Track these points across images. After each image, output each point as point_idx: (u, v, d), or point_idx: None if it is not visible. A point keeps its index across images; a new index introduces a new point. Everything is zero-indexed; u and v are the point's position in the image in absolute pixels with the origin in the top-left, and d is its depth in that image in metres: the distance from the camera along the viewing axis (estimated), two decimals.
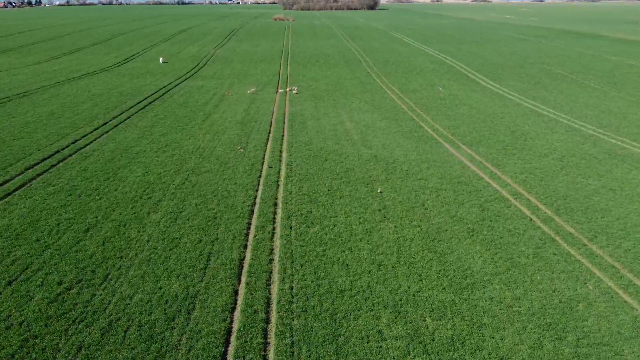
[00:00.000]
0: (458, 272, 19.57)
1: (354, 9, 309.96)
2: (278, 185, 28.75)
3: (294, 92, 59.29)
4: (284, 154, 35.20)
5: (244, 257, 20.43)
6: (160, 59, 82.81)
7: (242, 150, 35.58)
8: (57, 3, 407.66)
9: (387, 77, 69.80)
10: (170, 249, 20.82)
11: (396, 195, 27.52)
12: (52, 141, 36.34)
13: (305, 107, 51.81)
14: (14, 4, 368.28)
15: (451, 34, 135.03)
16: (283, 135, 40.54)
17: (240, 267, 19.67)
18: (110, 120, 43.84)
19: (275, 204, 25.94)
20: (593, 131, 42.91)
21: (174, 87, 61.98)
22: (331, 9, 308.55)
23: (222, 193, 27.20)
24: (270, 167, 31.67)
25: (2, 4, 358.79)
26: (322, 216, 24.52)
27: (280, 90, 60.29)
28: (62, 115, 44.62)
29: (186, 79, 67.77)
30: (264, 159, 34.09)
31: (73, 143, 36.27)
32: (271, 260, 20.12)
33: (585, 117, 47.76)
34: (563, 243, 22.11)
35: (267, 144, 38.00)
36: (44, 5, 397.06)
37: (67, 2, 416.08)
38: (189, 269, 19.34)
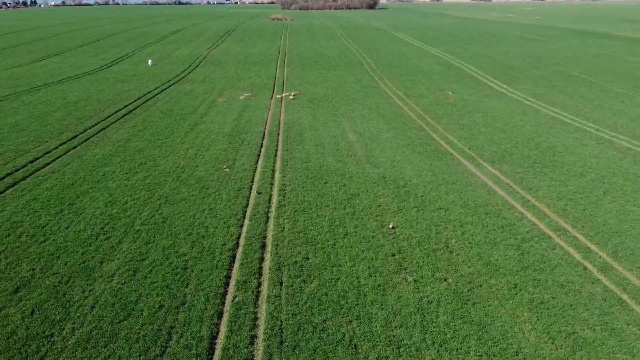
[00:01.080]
0: (506, 356, 14.34)
1: (354, 8, 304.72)
2: (268, 218, 23.53)
3: (290, 97, 54.11)
4: (277, 175, 29.99)
5: (217, 333, 15.23)
6: (149, 61, 77.66)
7: (227, 170, 30.36)
8: (53, 3, 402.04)
9: (392, 81, 64.60)
10: (120, 321, 15.61)
11: (412, 232, 22.30)
12: (6, 160, 31.11)
13: (303, 114, 46.61)
14: (8, 5, 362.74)
15: (456, 34, 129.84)
16: (277, 150, 35.34)
17: (211, 350, 14.45)
18: (81, 133, 38.63)
19: (263, 247, 20.74)
20: (628, 143, 37.75)
21: (160, 92, 56.77)
22: (330, 8, 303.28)
23: (199, 230, 21.98)
24: (259, 194, 26.47)
25: None
26: (322, 265, 19.31)
27: (277, 96, 55.06)
28: (28, 127, 39.39)
29: (175, 82, 62.56)
30: (252, 181, 28.87)
31: (31, 162, 31.03)
32: (253, 340, 14.91)
33: (615, 126, 42.59)
34: (635, 305, 16.89)
35: (257, 161, 32.80)
36: (40, 5, 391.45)
37: (63, 2, 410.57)
38: (139, 355, 14.11)
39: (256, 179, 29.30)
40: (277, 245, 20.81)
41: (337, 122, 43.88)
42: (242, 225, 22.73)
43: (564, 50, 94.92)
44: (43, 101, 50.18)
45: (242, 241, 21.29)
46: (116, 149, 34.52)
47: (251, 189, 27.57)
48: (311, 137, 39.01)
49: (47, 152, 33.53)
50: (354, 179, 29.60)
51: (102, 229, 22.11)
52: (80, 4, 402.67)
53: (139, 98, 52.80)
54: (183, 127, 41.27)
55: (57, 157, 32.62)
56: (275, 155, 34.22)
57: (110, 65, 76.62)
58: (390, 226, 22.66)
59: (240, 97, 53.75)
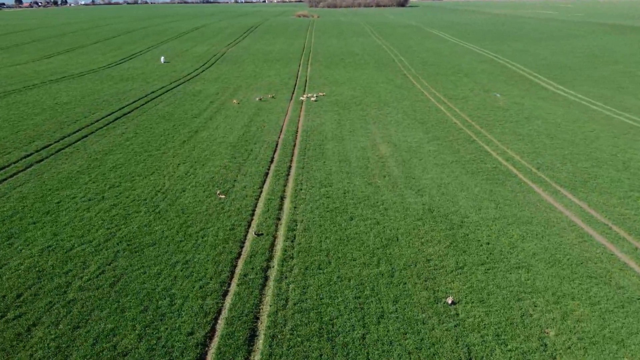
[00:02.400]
0: None
1: (383, 6, 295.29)
2: (265, 281, 15.92)
3: (312, 99, 46.50)
4: (286, 205, 22.39)
5: None
6: (162, 58, 71.31)
7: (222, 196, 22.91)
8: (83, 3, 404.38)
9: (429, 80, 56.35)
10: None
11: (484, 312, 14.38)
12: None
13: (326, 120, 38.97)
14: (39, 4, 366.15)
15: (493, 30, 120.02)
16: (290, 168, 27.78)
17: None
18: (56, 142, 31.86)
19: (252, 340, 13.09)
20: None
21: (166, 92, 49.99)
22: (359, 6, 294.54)
23: (159, 304, 14.54)
24: (258, 235, 18.91)
25: (28, 4, 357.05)
26: None
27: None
28: None
29: (185, 81, 55.77)
30: (253, 214, 21.34)
31: None
32: None
33: None
34: None
35: (263, 183, 25.29)
36: (70, 4, 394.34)
37: (93, 1, 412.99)
38: None
39: (258, 211, 21.74)
40: (273, 338, 13.12)
41: (366, 130, 36.09)
42: (225, 294, 15.16)
43: (621, 47, 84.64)
44: (30, 102, 43.85)
45: (220, 326, 13.69)
46: (89, 164, 27.48)
47: (249, 227, 20.00)
48: (334, 149, 31.32)
49: (4, 167, 26.71)
50: (389, 212, 21.76)
51: (19, 297, 14.88)
52: (109, 3, 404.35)
53: (140, 99, 46.06)
54: (181, 135, 34.12)
55: (13, 174, 25.80)
56: (288, 175, 26.66)
57: (120, 63, 70.51)
58: (449, 302, 14.77)
59: (256, 99, 46.52)
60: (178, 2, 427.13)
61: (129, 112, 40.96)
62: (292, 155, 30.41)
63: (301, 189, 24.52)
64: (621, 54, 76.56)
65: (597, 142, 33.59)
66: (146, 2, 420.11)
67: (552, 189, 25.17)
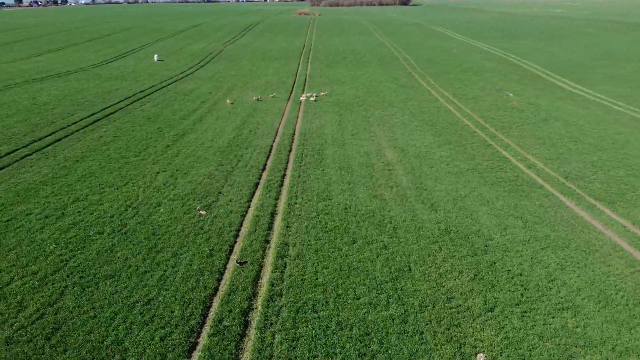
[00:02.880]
0: None
1: (386, 5, 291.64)
2: (244, 332, 12.50)
3: (312, 99, 43.06)
4: (277, 223, 18.99)
5: None
6: (155, 56, 67.99)
7: (202, 213, 19.50)
8: (83, 2, 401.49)
9: (436, 79, 52.87)
10: None
11: None
12: None
13: (326, 122, 35.57)
14: (39, 3, 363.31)
15: (502, 28, 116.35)
16: (283, 177, 24.37)
17: None
18: (24, 146, 28.53)
19: None
20: None
21: (155, 91, 46.63)
22: (361, 4, 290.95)
23: None
24: (241, 264, 15.53)
25: (28, 3, 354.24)
26: None
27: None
28: None
29: (176, 80, 52.39)
30: (237, 235, 17.91)
31: None
32: None
33: None
34: None
35: (252, 196, 21.84)
36: (70, 4, 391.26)
37: (93, 1, 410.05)
38: None
39: (243, 231, 18.34)
40: None
41: (370, 133, 32.67)
42: (191, 349, 11.71)
43: (636, 45, 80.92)
44: (6, 102, 40.57)
45: None
46: (55, 173, 24.11)
47: (230, 252, 16.59)
48: (335, 155, 27.90)
49: None
50: (399, 232, 18.32)
51: None
52: (109, 2, 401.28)
53: (126, 98, 42.70)
54: (165, 139, 30.74)
55: None
56: (281, 186, 23.25)
57: (111, 61, 67.16)
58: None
59: (254, 98, 43.14)
60: (179, 2, 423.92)
61: (111, 114, 37.60)
62: (287, 162, 27.01)
63: (295, 203, 21.10)
64: (638, 52, 72.89)
65: (627, 147, 30.11)
66: (147, 2, 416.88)
67: (585, 202, 21.70)
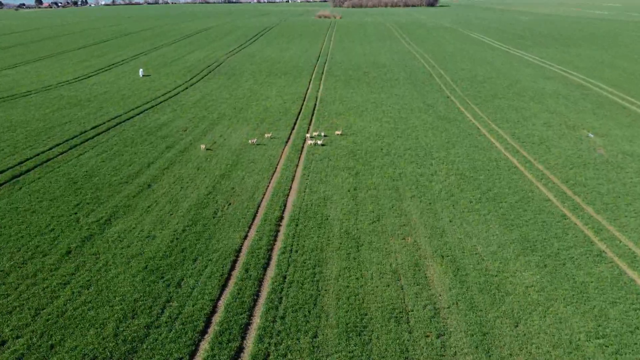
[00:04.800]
0: None
1: (412, 6, 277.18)
2: None
3: (318, 142, 31.16)
4: None
5: None
6: (140, 71, 57.06)
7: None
8: (103, 3, 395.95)
9: (483, 108, 40.48)
10: None
11: None
12: None
13: (333, 190, 23.86)
14: (59, 4, 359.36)
15: (547, 33, 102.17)
16: (248, 324, 12.31)
17: None
18: None
19: None
20: None
21: (116, 125, 35.40)
22: (386, 5, 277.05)
23: None
24: None
25: (47, 4, 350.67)
26: None
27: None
28: None
29: (152, 107, 41.10)
30: None
31: None
32: None
33: None
34: None
35: None
36: (90, 5, 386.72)
37: (113, 1, 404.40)
38: None
39: None
40: None
41: (401, 218, 20.85)
42: None
43: None
44: None
45: None
46: None
47: None
48: (342, 281, 16.47)
49: None
50: None
51: None
52: (130, 3, 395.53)
53: (65, 141, 31.58)
54: (73, 233, 19.31)
55: None
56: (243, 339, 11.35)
57: (89, 76, 56.43)
58: None
59: (250, 142, 31.53)
60: (199, 2, 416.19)
61: (26, 172, 26.37)
62: (254, 305, 15.03)
63: None
64: None
65: None
66: (167, 2, 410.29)
67: None
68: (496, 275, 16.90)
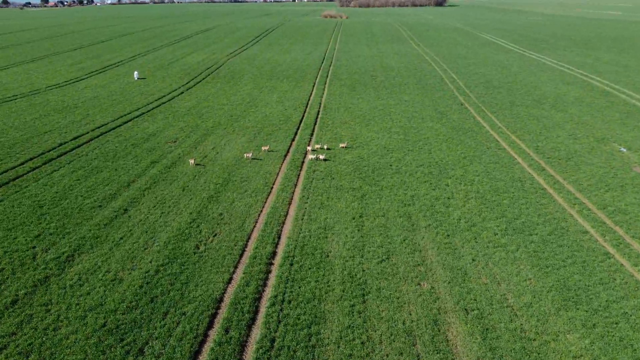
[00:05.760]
0: None
1: (420, 6, 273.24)
2: None
3: (320, 157, 27.90)
4: None
5: None
6: (135, 74, 54.08)
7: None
8: (109, 2, 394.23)
9: (500, 116, 37.19)
10: None
11: None
12: None
13: (336, 218, 20.78)
14: (65, 3, 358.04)
15: (563, 35, 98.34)
16: None
17: None
18: None
19: None
20: None
21: (99, 135, 32.43)
22: (393, 5, 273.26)
23: None
24: None
25: (53, 3, 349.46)
26: None
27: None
28: None
29: (142, 114, 38.03)
30: None
31: None
32: None
33: None
34: None
35: None
36: (96, 4, 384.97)
37: (119, 1, 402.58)
38: None
39: None
40: None
41: (414, 254, 17.77)
42: None
43: None
44: None
45: None
46: None
47: None
48: (350, 331, 13.13)
49: None
50: None
51: None
52: (135, 2, 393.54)
53: (42, 154, 28.82)
54: (17, 283, 16.00)
55: None
56: None
57: (81, 80, 53.50)
58: None
59: (245, 155, 28.37)
60: (205, 1, 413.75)
61: None
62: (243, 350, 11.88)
63: None
64: None
65: None
66: (172, 2, 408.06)
67: None
68: (534, 339, 13.60)
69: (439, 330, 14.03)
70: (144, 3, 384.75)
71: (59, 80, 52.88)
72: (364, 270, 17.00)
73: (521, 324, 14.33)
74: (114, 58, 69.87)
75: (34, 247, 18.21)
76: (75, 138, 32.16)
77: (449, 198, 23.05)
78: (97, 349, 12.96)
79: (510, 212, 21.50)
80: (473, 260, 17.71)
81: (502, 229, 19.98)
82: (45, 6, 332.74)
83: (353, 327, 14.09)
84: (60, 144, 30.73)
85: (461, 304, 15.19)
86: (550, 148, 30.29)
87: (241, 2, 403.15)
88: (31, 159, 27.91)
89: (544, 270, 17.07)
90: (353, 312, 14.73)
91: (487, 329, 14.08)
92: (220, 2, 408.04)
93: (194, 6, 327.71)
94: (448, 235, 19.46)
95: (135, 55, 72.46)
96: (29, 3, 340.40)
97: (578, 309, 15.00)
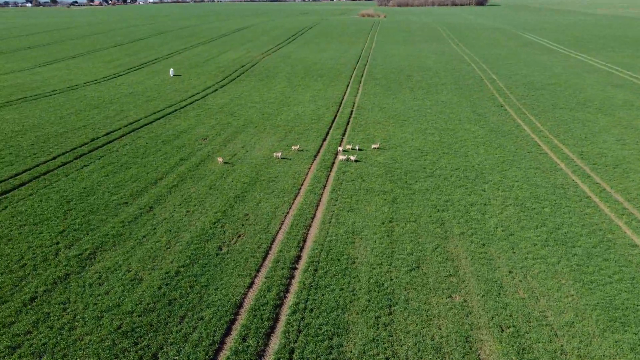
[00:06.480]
0: None
1: (460, 5, 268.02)
2: None
3: (352, 158, 27.03)
4: None
5: None
6: (171, 71, 54.49)
7: None
8: (151, 1, 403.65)
9: (542, 119, 35.42)
10: None
11: None
12: None
13: (364, 222, 20.07)
14: (109, 2, 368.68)
15: (611, 36, 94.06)
16: None
17: None
18: None
19: None
20: None
21: (131, 131, 32.52)
22: (433, 4, 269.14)
23: None
24: None
25: (98, 2, 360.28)
26: None
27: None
28: None
29: (175, 110, 38.17)
30: None
31: None
32: None
33: None
34: None
35: None
36: (138, 2, 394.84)
37: (161, 0, 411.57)
38: None
39: None
40: None
41: (446, 265, 16.72)
42: None
43: None
44: None
45: None
46: None
47: None
48: (374, 345, 11.87)
49: None
50: None
51: None
52: (176, 1, 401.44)
53: (73, 149, 28.80)
54: (47, 273, 15.98)
55: None
56: None
57: (118, 76, 54.29)
58: None
59: (274, 155, 27.80)
60: (245, 1, 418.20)
61: (16, 187, 23.51)
62: None
63: None
64: None
65: None
66: (212, 0, 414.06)
67: None
68: None
69: (471, 348, 12.98)
70: (185, 2, 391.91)
71: (96, 77, 53.82)
72: (391, 279, 16.06)
73: (561, 345, 13.11)
74: (151, 55, 70.86)
75: (57, 243, 18.08)
76: (107, 134, 32.35)
77: (485, 204, 21.80)
78: (111, 352, 12.53)
79: (551, 222, 20.11)
80: (510, 272, 16.52)
81: (543, 240, 18.65)
82: (90, 4, 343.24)
83: (378, 340, 13.20)
84: (93, 139, 30.95)
85: (496, 320, 14.06)
86: (596, 154, 28.49)
87: (280, 1, 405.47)
88: (63, 154, 28.14)
89: (587, 286, 15.73)
90: (378, 324, 13.83)
91: (523, 349, 12.93)
92: (259, 1, 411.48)
93: (233, 5, 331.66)
94: (483, 245, 18.28)
95: (171, 53, 73.32)
96: (76, 2, 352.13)
97: (626, 331, 13.65)
